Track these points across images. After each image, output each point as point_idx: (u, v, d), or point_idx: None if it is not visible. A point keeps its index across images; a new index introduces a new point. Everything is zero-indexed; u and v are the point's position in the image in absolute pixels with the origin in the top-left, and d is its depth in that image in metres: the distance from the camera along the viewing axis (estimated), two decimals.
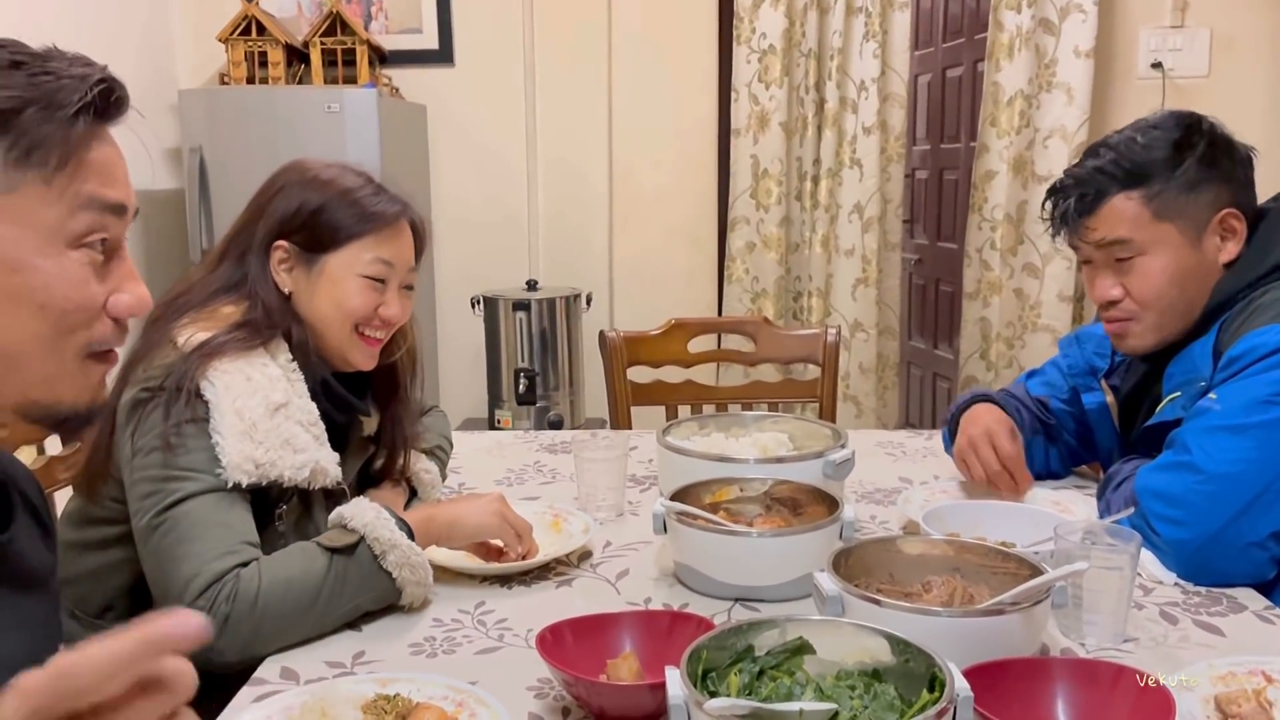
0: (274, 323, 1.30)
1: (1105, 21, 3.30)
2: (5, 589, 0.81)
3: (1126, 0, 3.37)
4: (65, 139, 0.73)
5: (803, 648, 0.93)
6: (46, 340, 0.74)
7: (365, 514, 1.21)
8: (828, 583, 1.05)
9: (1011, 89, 3.32)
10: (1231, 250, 1.41)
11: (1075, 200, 1.43)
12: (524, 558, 1.34)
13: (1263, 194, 1.47)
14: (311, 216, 1.33)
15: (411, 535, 1.23)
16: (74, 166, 0.74)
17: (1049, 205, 1.49)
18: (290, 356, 1.31)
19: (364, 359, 1.38)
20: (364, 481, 1.50)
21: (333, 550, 1.18)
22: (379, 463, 1.50)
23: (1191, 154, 1.39)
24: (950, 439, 1.65)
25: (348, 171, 1.38)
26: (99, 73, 0.75)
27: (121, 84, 0.77)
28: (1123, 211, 1.40)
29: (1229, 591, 1.26)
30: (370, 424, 1.47)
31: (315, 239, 1.33)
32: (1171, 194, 1.39)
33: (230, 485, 1.18)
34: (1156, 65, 3.35)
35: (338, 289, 1.34)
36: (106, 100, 0.75)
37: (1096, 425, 1.63)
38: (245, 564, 1.15)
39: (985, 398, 1.65)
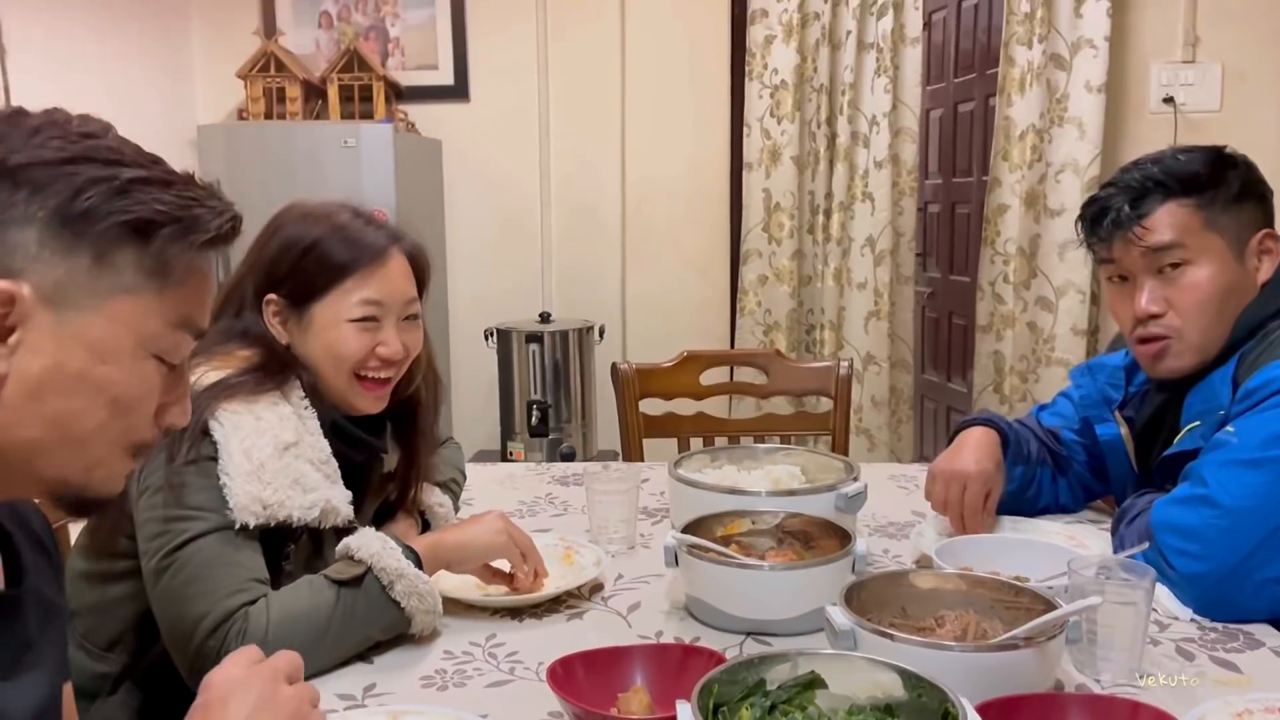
0: (283, 366, 1.30)
1: (1116, 56, 3.31)
2: (18, 638, 0.82)
3: (1138, 35, 3.39)
4: (190, 262, 0.79)
5: (815, 682, 0.92)
6: (105, 432, 0.78)
7: (371, 544, 1.21)
8: (840, 617, 1.05)
9: (1023, 124, 3.34)
10: (1268, 270, 1.41)
11: (1129, 203, 1.41)
12: (534, 577, 1.34)
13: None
14: (293, 268, 1.31)
15: (419, 563, 1.23)
16: (184, 287, 0.80)
17: (1089, 213, 1.46)
18: (303, 395, 1.31)
19: (368, 403, 1.36)
20: (381, 516, 1.49)
21: (340, 582, 1.18)
22: (393, 496, 1.50)
23: (1234, 171, 1.41)
24: None
25: (332, 214, 1.34)
26: (231, 210, 0.82)
27: (242, 219, 0.84)
28: (1174, 217, 1.39)
29: (1246, 628, 1.24)
30: (391, 460, 1.46)
31: (300, 290, 1.31)
32: (1219, 207, 1.39)
33: (238, 526, 1.18)
34: (1168, 100, 3.36)
35: (327, 337, 1.31)
36: (231, 234, 0.82)
37: (1110, 457, 1.62)
38: (254, 601, 1.15)
39: (988, 422, 1.61)
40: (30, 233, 0.72)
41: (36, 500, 0.90)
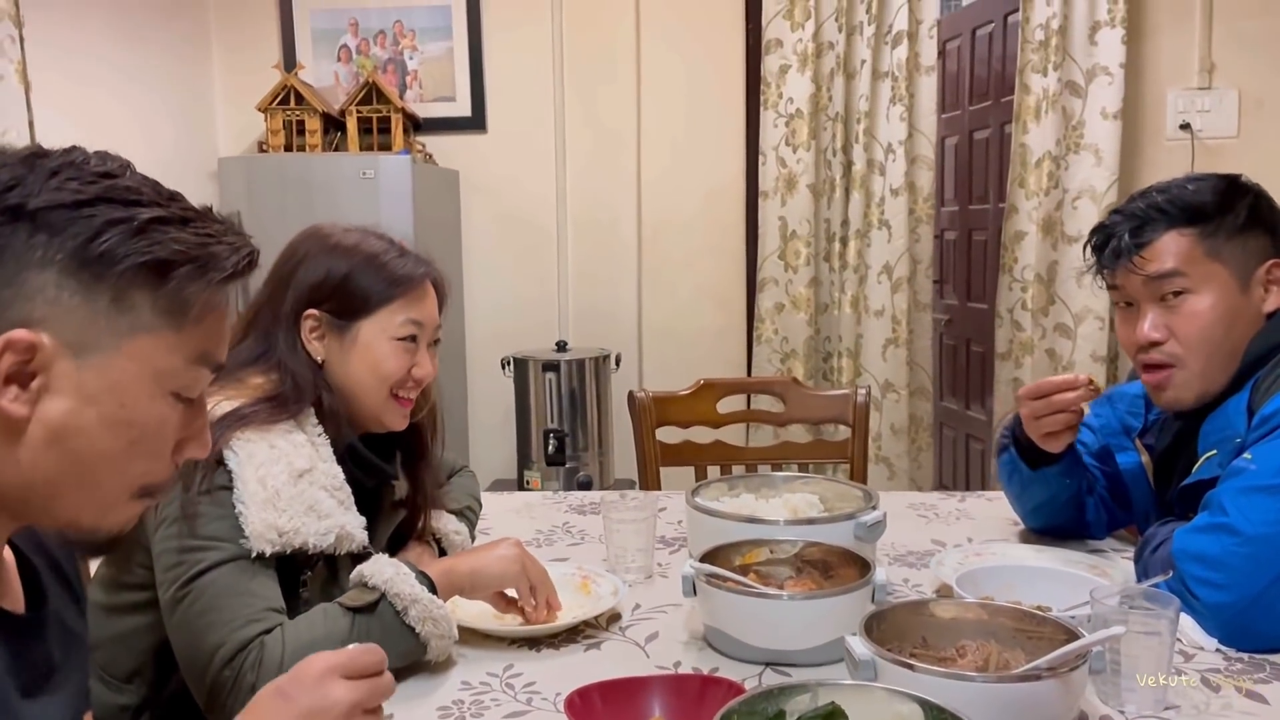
0: (303, 395, 1.31)
1: (1132, 83, 3.32)
2: (41, 660, 0.83)
3: (1154, 62, 3.39)
4: (207, 299, 0.80)
5: (835, 713, 0.91)
6: (122, 474, 0.79)
7: (384, 571, 1.21)
8: (860, 647, 1.04)
9: (1039, 150, 3.34)
10: (1275, 301, 1.40)
11: (1129, 232, 1.42)
12: (545, 611, 1.34)
13: None
14: (341, 284, 1.34)
15: (433, 589, 1.23)
16: (202, 324, 0.80)
17: (1095, 240, 1.47)
18: (316, 422, 1.32)
19: (399, 420, 1.39)
20: (396, 544, 1.49)
21: (354, 609, 1.18)
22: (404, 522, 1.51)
23: (1242, 201, 1.41)
24: (1009, 459, 1.64)
25: (369, 236, 1.39)
26: (248, 245, 0.82)
27: (259, 253, 0.84)
28: (1176, 246, 1.40)
29: (1272, 658, 1.23)
30: (402, 487, 1.47)
31: (346, 306, 1.34)
32: (1223, 236, 1.39)
33: (254, 555, 1.18)
34: (1185, 126, 3.36)
35: (373, 354, 1.35)
36: (248, 269, 0.82)
37: (1132, 486, 1.61)
38: (269, 630, 1.15)
39: None
40: (49, 275, 0.73)
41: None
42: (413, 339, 1.37)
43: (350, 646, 0.90)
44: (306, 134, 3.41)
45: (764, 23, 3.45)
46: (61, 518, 0.79)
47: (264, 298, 1.38)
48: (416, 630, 1.19)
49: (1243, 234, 1.39)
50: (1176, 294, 1.40)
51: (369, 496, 1.39)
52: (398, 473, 1.46)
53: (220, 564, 1.17)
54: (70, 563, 0.94)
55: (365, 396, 1.36)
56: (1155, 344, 1.42)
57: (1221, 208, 1.39)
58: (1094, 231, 1.49)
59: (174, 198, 0.80)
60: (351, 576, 1.23)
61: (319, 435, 1.31)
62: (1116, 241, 1.43)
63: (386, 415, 1.38)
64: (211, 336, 0.81)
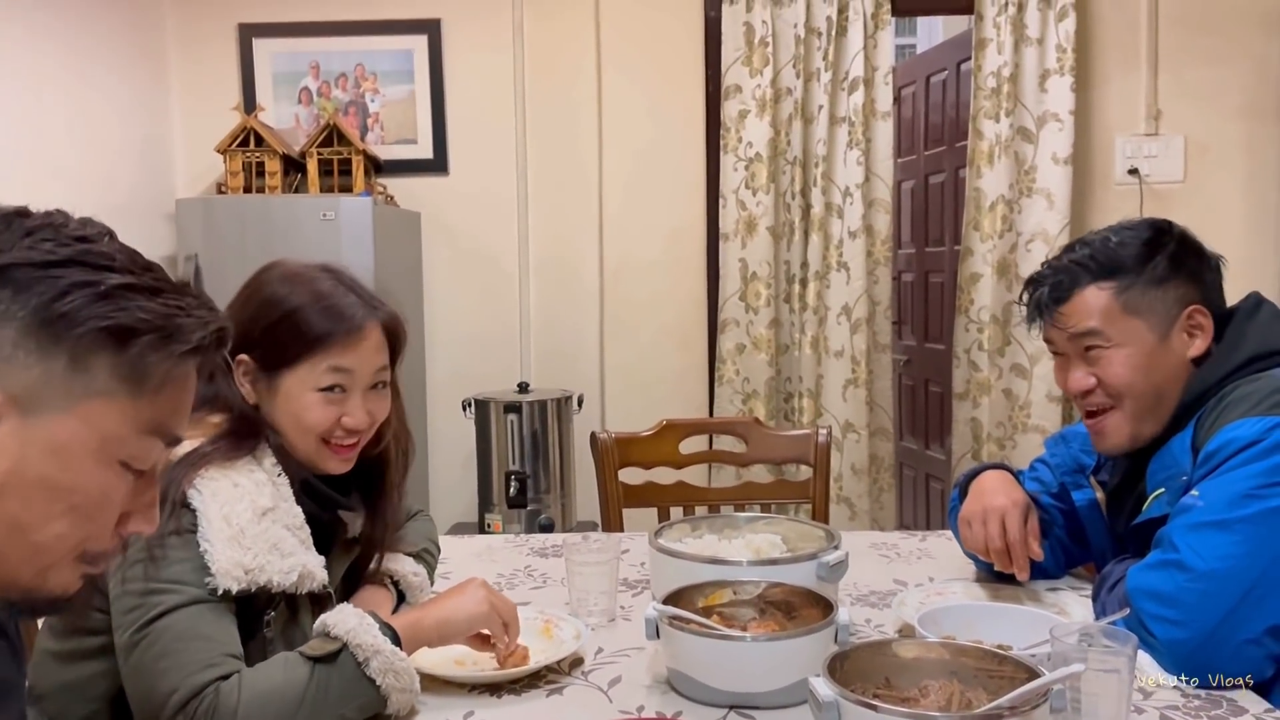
0: (254, 430, 1.30)
1: (1082, 130, 3.40)
2: None
3: (1102, 109, 3.48)
4: (168, 371, 0.78)
5: None
6: (61, 539, 0.77)
7: (348, 620, 1.20)
8: (823, 688, 1.04)
9: (993, 194, 3.41)
10: (1199, 346, 1.45)
11: (1049, 288, 1.49)
12: (514, 649, 1.32)
13: (1238, 294, 1.50)
14: (266, 332, 1.31)
15: (397, 640, 1.21)
16: (161, 395, 0.79)
17: (1026, 294, 1.54)
18: (275, 461, 1.31)
19: (336, 465, 1.36)
20: (350, 583, 1.47)
21: (314, 659, 1.16)
22: (360, 559, 1.48)
23: (1162, 253, 1.46)
24: (959, 503, 1.66)
25: (318, 278, 1.35)
26: (218, 320, 0.81)
27: (230, 331, 0.83)
28: (1094, 302, 1.45)
29: (1229, 694, 1.24)
30: (355, 525, 1.45)
31: (270, 356, 1.32)
32: (1140, 289, 1.44)
33: (220, 593, 1.16)
34: (1133, 171, 3.45)
35: (294, 405, 1.32)
36: (216, 345, 0.81)
37: (1089, 523, 1.63)
38: (225, 677, 1.13)
39: (997, 466, 1.68)
40: (8, 332, 0.72)
41: None
42: (338, 388, 1.33)
43: None
44: (266, 175, 3.39)
45: (723, 69, 3.51)
46: (2, 580, 0.77)
47: None
48: (377, 682, 1.17)
49: (1162, 285, 1.45)
50: (1099, 347, 1.45)
51: (322, 533, 1.37)
52: (354, 505, 1.43)
53: (179, 607, 1.15)
54: (4, 607, 0.91)
55: (296, 443, 1.33)
56: (1087, 393, 1.47)
57: (1141, 259, 1.45)
58: (1025, 284, 1.56)
59: (149, 268, 0.79)
60: (315, 625, 1.22)
61: (279, 475, 1.30)
62: (1040, 296, 1.50)
63: (320, 461, 1.35)
64: (170, 408, 0.80)
